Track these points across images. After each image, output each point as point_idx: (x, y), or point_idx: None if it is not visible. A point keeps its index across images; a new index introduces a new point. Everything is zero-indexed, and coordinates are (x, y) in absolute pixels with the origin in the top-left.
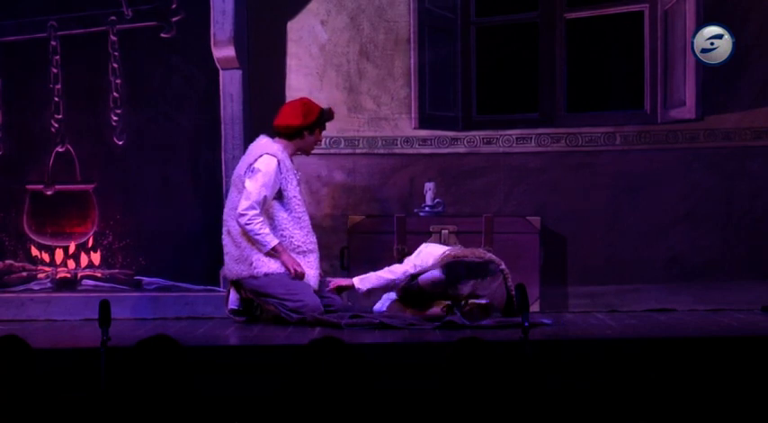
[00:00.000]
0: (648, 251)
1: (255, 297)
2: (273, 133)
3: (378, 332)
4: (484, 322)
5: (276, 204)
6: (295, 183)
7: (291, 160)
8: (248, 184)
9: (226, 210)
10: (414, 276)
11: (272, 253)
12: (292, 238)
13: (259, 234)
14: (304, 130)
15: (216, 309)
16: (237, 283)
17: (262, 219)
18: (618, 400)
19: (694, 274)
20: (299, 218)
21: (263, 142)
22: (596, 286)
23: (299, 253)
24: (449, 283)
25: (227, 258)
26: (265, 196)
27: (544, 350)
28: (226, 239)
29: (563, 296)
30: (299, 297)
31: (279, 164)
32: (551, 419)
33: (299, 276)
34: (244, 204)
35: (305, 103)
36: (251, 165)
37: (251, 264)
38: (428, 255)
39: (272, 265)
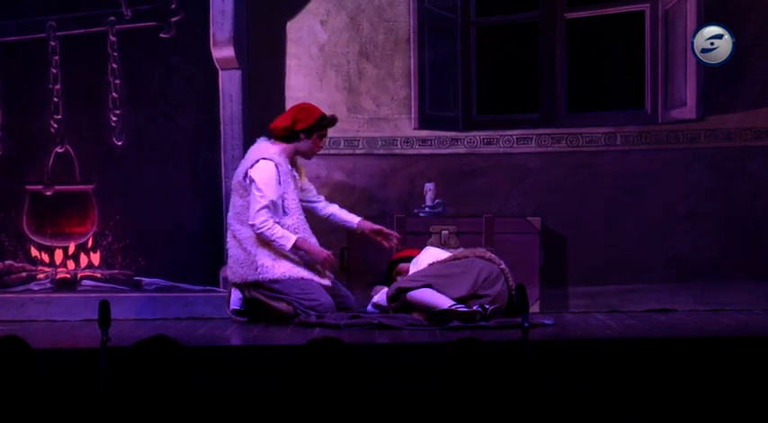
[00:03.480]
0: (648, 251)
1: (266, 299)
2: (270, 135)
3: (377, 332)
4: (484, 323)
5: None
6: (293, 187)
7: (291, 164)
8: (252, 194)
9: (230, 213)
10: (401, 290)
11: (296, 249)
12: (289, 227)
13: (274, 238)
14: (299, 132)
15: (216, 309)
16: (241, 285)
17: (272, 223)
18: (618, 400)
19: (694, 274)
20: (299, 221)
21: (261, 146)
22: (596, 286)
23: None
24: (431, 322)
25: (231, 261)
26: (272, 200)
27: (544, 350)
28: (231, 242)
29: (563, 296)
30: (314, 296)
31: (276, 167)
32: (551, 419)
33: (330, 260)
34: (252, 214)
35: (303, 108)
36: (248, 170)
37: (256, 268)
38: (425, 262)
39: (277, 271)
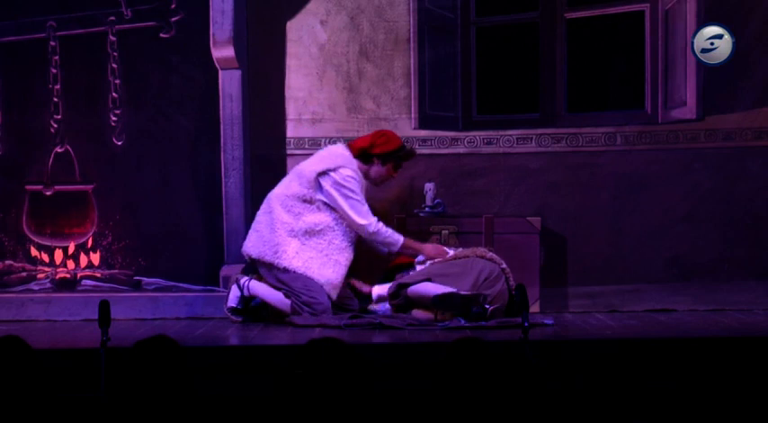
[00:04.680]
0: (649, 251)
1: (269, 283)
2: (349, 149)
3: (378, 332)
4: (485, 322)
5: (333, 214)
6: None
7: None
8: (350, 199)
9: (275, 193)
10: (401, 285)
11: (404, 249)
12: (331, 244)
13: (387, 237)
14: (373, 156)
15: (216, 309)
16: (252, 265)
17: (381, 224)
18: (618, 400)
19: (694, 274)
20: (346, 230)
21: (344, 153)
22: (596, 286)
23: (328, 261)
24: (437, 307)
25: (255, 236)
26: (364, 202)
27: (544, 350)
28: (263, 218)
29: (563, 296)
30: (313, 294)
31: (355, 173)
32: (551, 419)
33: (441, 253)
34: (362, 215)
35: (384, 134)
36: (329, 171)
37: (276, 252)
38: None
39: (294, 263)
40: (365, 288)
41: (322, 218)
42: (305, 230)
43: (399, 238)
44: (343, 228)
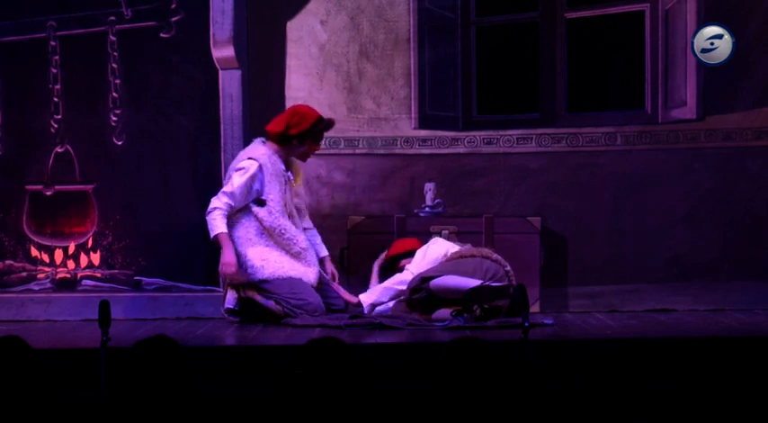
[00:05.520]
0: (649, 251)
1: (259, 297)
2: (266, 136)
3: (378, 332)
4: (483, 323)
5: (260, 210)
6: (278, 188)
7: (285, 164)
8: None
9: None
10: (425, 279)
11: (216, 241)
12: (279, 241)
13: (209, 221)
14: (292, 138)
15: (216, 309)
16: (236, 285)
17: (221, 211)
18: (618, 400)
19: (694, 274)
20: (282, 222)
21: (252, 146)
22: (596, 286)
23: (292, 255)
24: (468, 300)
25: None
26: (233, 192)
27: (544, 350)
28: None
29: (563, 296)
30: (302, 296)
31: (260, 168)
32: (551, 419)
33: (224, 273)
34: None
35: (297, 112)
36: (232, 167)
37: (246, 269)
38: (434, 253)
39: (266, 272)
40: (352, 299)
41: (260, 217)
42: (255, 234)
43: (214, 230)
44: (284, 214)
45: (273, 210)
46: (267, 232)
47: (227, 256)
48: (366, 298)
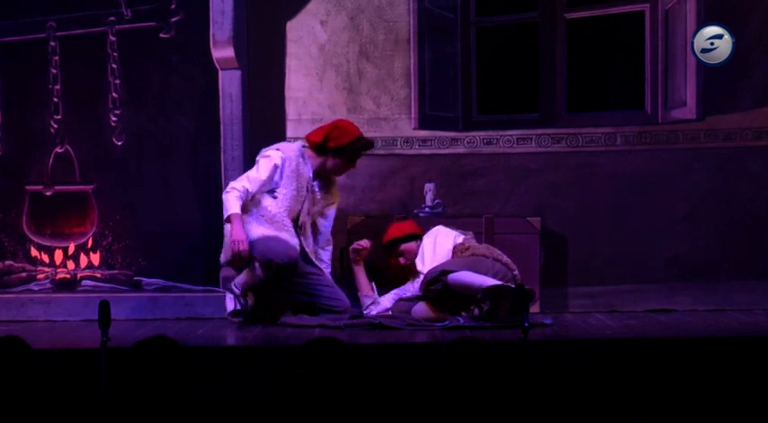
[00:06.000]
0: (648, 251)
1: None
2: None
3: (377, 332)
4: (486, 323)
5: (266, 198)
6: (294, 187)
7: (318, 176)
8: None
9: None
10: (444, 272)
11: (226, 221)
12: (269, 211)
13: (225, 201)
14: (328, 151)
15: (216, 309)
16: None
17: (238, 193)
18: (618, 400)
19: (694, 274)
20: (284, 219)
21: (289, 143)
22: (596, 286)
23: (272, 223)
24: (483, 298)
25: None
26: (254, 178)
27: (544, 350)
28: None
29: (563, 296)
30: (275, 249)
31: (283, 160)
32: (551, 419)
33: (235, 250)
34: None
35: (338, 126)
36: (262, 151)
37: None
38: (443, 248)
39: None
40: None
41: (263, 203)
42: (253, 217)
43: (228, 210)
44: (285, 207)
45: (280, 204)
46: (265, 219)
47: (239, 234)
48: (387, 303)
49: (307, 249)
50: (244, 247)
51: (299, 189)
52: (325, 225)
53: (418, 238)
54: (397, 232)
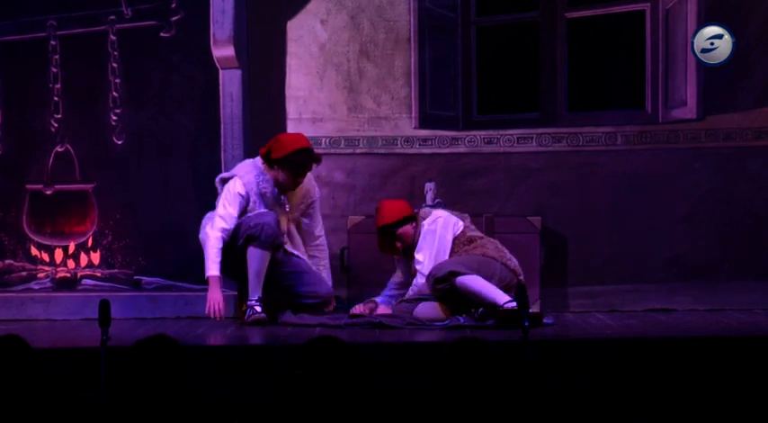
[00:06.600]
0: (648, 251)
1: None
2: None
3: (378, 332)
4: (486, 322)
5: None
6: (262, 207)
7: (273, 185)
8: (217, 205)
9: None
10: (452, 273)
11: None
12: None
13: (206, 251)
14: (273, 163)
15: None
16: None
17: (219, 235)
18: (618, 400)
19: (694, 274)
20: None
21: (245, 162)
22: (596, 286)
23: None
24: (485, 314)
25: None
26: (226, 215)
27: (544, 350)
28: None
29: (563, 296)
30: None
31: (246, 189)
32: (551, 419)
33: (210, 315)
34: (212, 223)
35: (279, 138)
36: (225, 179)
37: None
38: (446, 241)
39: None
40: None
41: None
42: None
43: (208, 270)
44: None
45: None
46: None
47: (215, 296)
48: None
49: (296, 252)
50: (219, 310)
51: (269, 206)
52: (312, 225)
53: (413, 219)
54: (391, 216)
